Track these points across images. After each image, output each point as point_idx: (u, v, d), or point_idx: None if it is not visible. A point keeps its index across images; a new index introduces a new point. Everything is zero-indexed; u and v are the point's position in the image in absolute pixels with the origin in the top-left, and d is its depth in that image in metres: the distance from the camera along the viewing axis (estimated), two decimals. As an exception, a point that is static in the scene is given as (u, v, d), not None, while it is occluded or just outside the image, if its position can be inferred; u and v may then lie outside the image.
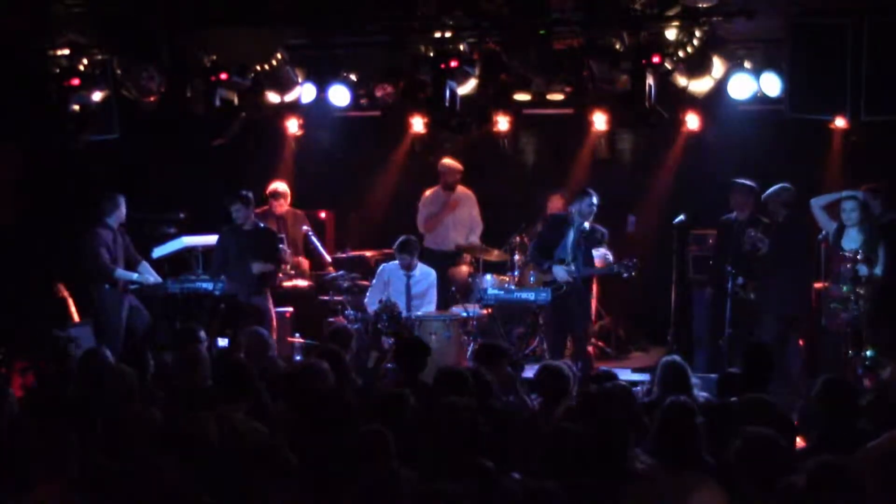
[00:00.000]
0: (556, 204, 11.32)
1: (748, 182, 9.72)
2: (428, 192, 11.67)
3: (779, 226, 9.37)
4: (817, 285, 9.29)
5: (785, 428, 5.52)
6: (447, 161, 11.55)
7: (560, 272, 9.68)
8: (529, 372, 8.02)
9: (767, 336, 8.90)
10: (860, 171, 9.91)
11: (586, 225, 9.75)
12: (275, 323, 10.26)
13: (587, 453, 4.90)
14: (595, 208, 9.77)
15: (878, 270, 8.66)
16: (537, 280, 9.94)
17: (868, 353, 8.40)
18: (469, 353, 10.07)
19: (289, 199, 11.45)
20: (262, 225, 10.45)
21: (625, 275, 9.71)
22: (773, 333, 9.02)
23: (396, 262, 10.60)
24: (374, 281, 10.69)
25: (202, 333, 8.06)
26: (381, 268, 10.71)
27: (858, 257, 8.63)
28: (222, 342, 9.56)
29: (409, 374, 7.19)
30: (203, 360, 7.13)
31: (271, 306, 10.31)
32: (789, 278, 9.26)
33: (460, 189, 11.63)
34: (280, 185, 11.43)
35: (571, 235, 9.75)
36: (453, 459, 4.99)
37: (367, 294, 10.66)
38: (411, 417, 5.82)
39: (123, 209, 10.17)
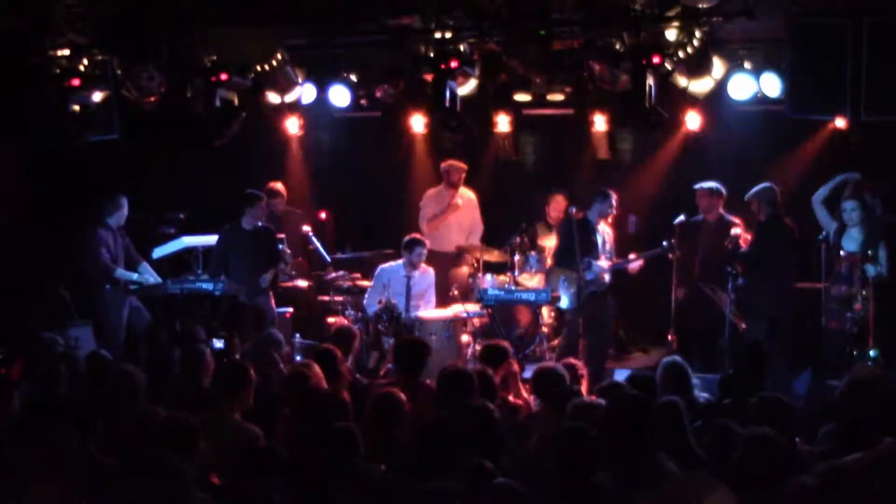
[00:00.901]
0: (556, 204, 11.33)
1: (709, 184, 9.83)
2: (431, 192, 11.66)
3: (761, 225, 9.40)
4: (818, 285, 9.29)
5: (794, 428, 5.54)
6: (452, 161, 11.56)
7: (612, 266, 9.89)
8: (527, 372, 8.02)
9: (756, 336, 8.90)
10: (860, 171, 9.90)
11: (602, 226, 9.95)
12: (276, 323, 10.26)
13: (604, 452, 4.90)
14: (613, 209, 9.92)
15: (881, 270, 8.65)
16: (569, 283, 9.94)
17: (871, 353, 8.40)
18: (469, 353, 10.07)
19: (285, 198, 11.48)
20: (260, 224, 10.45)
21: (670, 255, 9.90)
22: (759, 333, 9.02)
23: (394, 263, 10.62)
24: (372, 283, 10.68)
25: (202, 333, 8.07)
26: (378, 270, 10.70)
27: (868, 255, 8.63)
28: (218, 343, 9.53)
29: (408, 373, 7.18)
30: (208, 361, 7.13)
31: (273, 306, 10.31)
32: (772, 278, 9.28)
33: (464, 191, 11.63)
34: (276, 185, 11.44)
35: (599, 237, 9.88)
36: (453, 459, 5.00)
37: (366, 296, 10.66)
38: (411, 417, 5.82)
39: (125, 211, 10.15)
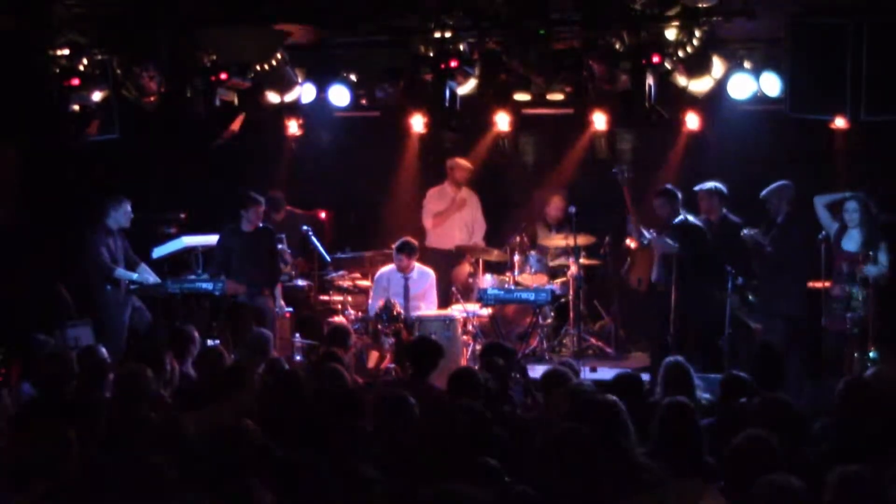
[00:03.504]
0: (556, 204, 11.33)
1: (709, 185, 9.79)
2: (434, 189, 11.68)
3: (779, 225, 9.37)
4: (817, 285, 9.28)
5: (801, 429, 5.51)
6: (458, 159, 11.57)
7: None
8: (529, 372, 8.02)
9: (774, 337, 8.88)
10: (860, 171, 9.91)
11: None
12: (277, 323, 10.25)
13: (589, 455, 4.88)
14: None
15: (883, 270, 8.65)
16: None
17: (871, 354, 8.39)
18: (469, 353, 10.07)
19: (284, 205, 11.50)
20: (261, 224, 10.45)
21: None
22: (781, 334, 9.00)
23: (389, 266, 10.62)
24: (373, 289, 10.70)
25: (195, 334, 8.06)
26: (378, 275, 10.74)
27: (869, 255, 8.62)
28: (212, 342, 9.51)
29: (418, 375, 7.14)
30: (225, 360, 7.14)
31: (273, 306, 10.30)
32: (792, 278, 9.26)
33: (466, 189, 11.65)
34: (276, 193, 11.45)
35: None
36: (460, 460, 4.98)
37: (370, 302, 10.68)
38: (419, 418, 5.79)
39: (126, 213, 10.13)
